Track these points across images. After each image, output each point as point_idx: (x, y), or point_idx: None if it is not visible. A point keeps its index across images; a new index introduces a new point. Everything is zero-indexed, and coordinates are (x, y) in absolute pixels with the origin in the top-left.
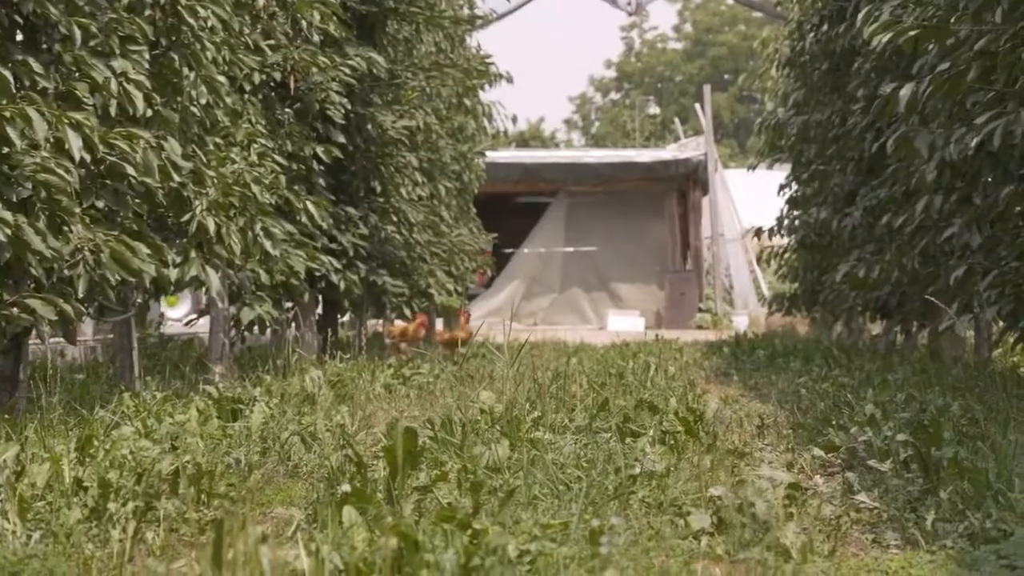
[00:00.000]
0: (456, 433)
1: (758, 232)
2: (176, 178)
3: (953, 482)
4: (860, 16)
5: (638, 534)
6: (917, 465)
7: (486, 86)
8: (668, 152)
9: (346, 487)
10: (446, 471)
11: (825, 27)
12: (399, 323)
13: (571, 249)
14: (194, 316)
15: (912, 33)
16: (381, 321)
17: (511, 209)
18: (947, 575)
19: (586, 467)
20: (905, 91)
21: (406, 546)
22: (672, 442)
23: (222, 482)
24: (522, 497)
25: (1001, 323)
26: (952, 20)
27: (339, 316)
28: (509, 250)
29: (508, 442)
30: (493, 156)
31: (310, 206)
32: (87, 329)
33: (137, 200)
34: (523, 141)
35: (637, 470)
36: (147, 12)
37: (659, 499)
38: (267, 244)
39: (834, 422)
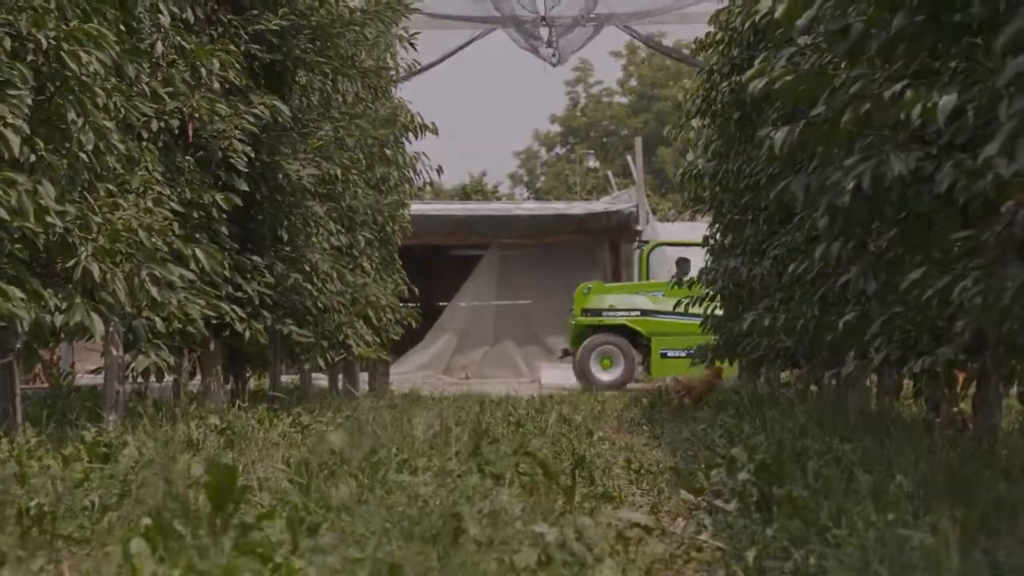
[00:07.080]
0: (305, 475)
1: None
2: (60, 223)
3: (785, 520)
4: (756, 63)
5: (458, 569)
6: (763, 504)
7: (411, 137)
8: (600, 204)
9: (146, 520)
10: (273, 508)
11: (735, 76)
12: (683, 377)
13: (504, 302)
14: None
15: (788, 78)
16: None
17: (444, 262)
18: None
19: (421, 507)
20: (780, 135)
21: None
22: (531, 484)
23: (71, 523)
24: (337, 533)
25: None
26: (843, 65)
27: (247, 366)
28: (442, 303)
29: (354, 482)
30: (424, 208)
31: (199, 253)
32: None
33: (18, 245)
34: (465, 194)
35: (486, 509)
36: (30, 58)
37: (491, 537)
38: (153, 291)
39: (702, 466)
